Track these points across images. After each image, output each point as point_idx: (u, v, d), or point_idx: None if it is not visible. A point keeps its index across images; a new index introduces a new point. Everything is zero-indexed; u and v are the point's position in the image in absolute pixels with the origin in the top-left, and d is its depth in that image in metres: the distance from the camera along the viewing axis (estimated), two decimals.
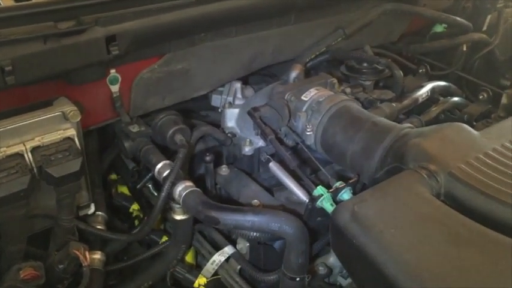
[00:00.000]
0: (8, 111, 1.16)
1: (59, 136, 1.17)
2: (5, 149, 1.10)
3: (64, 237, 1.24)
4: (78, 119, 1.19)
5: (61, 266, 1.19)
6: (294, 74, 1.60)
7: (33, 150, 1.13)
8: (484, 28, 2.03)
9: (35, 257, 1.23)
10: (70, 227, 1.25)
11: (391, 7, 1.78)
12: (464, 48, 2.02)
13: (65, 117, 1.18)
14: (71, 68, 1.17)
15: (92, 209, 1.39)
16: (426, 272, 0.84)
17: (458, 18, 1.94)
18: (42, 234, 1.30)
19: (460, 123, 1.22)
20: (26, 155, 1.12)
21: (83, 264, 1.16)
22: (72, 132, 1.19)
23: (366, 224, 0.94)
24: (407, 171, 1.09)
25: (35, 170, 1.13)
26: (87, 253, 1.18)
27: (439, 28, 2.10)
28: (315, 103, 1.43)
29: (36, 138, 1.14)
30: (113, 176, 1.74)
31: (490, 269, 0.84)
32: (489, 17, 2.01)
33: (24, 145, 1.13)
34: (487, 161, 1.06)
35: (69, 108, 1.18)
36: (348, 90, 1.60)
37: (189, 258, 1.48)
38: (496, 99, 1.82)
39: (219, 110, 1.70)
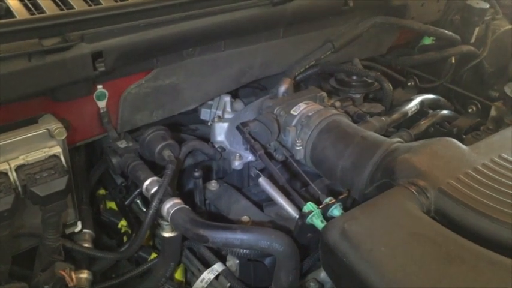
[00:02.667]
0: None
1: (44, 154, 1.14)
2: None
3: (50, 257, 1.21)
4: (64, 136, 1.17)
5: (46, 287, 1.16)
6: (283, 88, 1.59)
7: (18, 168, 1.11)
8: (472, 40, 2.04)
9: (20, 277, 1.20)
10: (56, 246, 1.22)
11: (380, 20, 1.79)
12: (453, 61, 2.03)
13: (50, 135, 1.16)
14: (56, 85, 1.16)
15: (79, 226, 1.36)
16: None
17: (447, 31, 1.95)
18: (27, 253, 1.28)
19: (449, 138, 1.22)
20: (10, 174, 1.10)
21: (69, 285, 1.14)
22: (57, 149, 1.17)
23: (355, 242, 0.93)
24: (397, 188, 1.08)
25: (20, 189, 1.11)
26: (73, 273, 1.16)
27: (427, 40, 2.11)
28: (304, 117, 1.42)
29: (21, 157, 1.12)
30: (101, 191, 1.71)
31: (480, 286, 0.83)
32: (477, 29, 2.02)
33: (9, 164, 1.10)
34: (477, 176, 1.06)
35: (55, 126, 1.16)
36: (338, 103, 1.60)
37: (178, 275, 1.46)
38: (485, 112, 1.83)
39: (209, 124, 1.69)
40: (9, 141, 1.11)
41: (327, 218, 1.15)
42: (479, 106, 1.87)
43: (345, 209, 1.17)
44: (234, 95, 1.76)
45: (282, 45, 1.62)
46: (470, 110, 1.88)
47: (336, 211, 1.16)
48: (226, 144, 1.60)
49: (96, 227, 1.47)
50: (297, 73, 1.68)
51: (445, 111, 1.79)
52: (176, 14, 1.27)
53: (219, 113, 1.67)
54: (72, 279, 1.14)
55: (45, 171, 1.12)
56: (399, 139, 1.32)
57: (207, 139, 1.64)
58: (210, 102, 1.69)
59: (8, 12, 1.13)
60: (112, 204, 1.66)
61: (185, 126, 1.80)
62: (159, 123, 1.50)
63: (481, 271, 0.86)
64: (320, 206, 1.15)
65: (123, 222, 1.60)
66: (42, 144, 1.15)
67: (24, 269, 1.26)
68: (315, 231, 1.15)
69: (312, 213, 1.13)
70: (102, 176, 1.66)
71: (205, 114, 1.71)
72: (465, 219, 0.99)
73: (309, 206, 1.14)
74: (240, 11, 1.38)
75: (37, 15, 1.13)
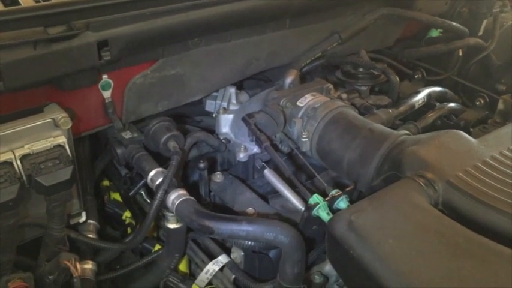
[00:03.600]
0: None
1: (49, 143, 1.14)
2: None
3: (54, 247, 1.22)
4: (69, 126, 1.16)
5: (51, 277, 1.17)
6: (289, 80, 1.58)
7: (23, 158, 1.10)
8: (480, 33, 2.02)
9: (25, 267, 1.20)
10: (61, 236, 1.22)
11: (387, 12, 1.77)
12: (460, 53, 2.01)
13: (55, 124, 1.15)
14: (61, 73, 1.14)
15: (83, 217, 1.36)
16: (424, 283, 0.82)
17: (454, 23, 1.93)
18: (32, 243, 1.27)
19: (457, 131, 1.20)
20: (15, 163, 1.09)
21: (74, 275, 1.14)
22: (62, 139, 1.16)
23: (363, 235, 0.92)
24: (404, 180, 1.07)
25: (25, 178, 1.10)
26: (77, 264, 1.16)
27: (434, 33, 2.09)
28: (310, 109, 1.41)
29: (26, 146, 1.11)
30: (106, 182, 1.71)
31: (489, 280, 0.83)
32: (485, 22, 2.01)
33: (13, 153, 1.09)
34: (485, 169, 1.05)
35: (60, 115, 1.15)
36: (344, 96, 1.58)
37: (182, 267, 1.46)
38: (492, 105, 1.81)
39: (213, 116, 1.68)
40: (14, 130, 1.10)
41: (333, 210, 1.14)
42: (487, 99, 1.85)
43: (351, 201, 1.16)
44: (239, 86, 1.74)
45: (288, 36, 1.61)
46: (477, 103, 1.86)
47: (342, 203, 1.15)
48: (231, 135, 1.59)
49: (100, 218, 1.47)
50: (303, 64, 1.66)
51: (452, 104, 1.77)
52: (183, 3, 1.25)
53: (224, 104, 1.66)
54: (76, 270, 1.14)
55: (50, 160, 1.12)
56: (406, 131, 1.31)
57: (211, 131, 1.63)
58: (215, 94, 1.68)
59: (14, 0, 1.12)
60: (116, 196, 1.66)
61: (190, 117, 1.79)
62: (164, 114, 1.49)
63: (489, 264, 0.85)
64: (326, 198, 1.14)
65: (127, 214, 1.60)
66: (47, 134, 1.15)
67: (29, 259, 1.26)
68: (320, 223, 1.14)
69: (318, 206, 1.12)
70: (106, 167, 1.66)
71: (210, 105, 1.70)
72: (473, 211, 0.98)
73: (315, 198, 1.14)
74: (247, 1, 1.36)
75: (42, 3, 1.12)
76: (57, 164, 1.12)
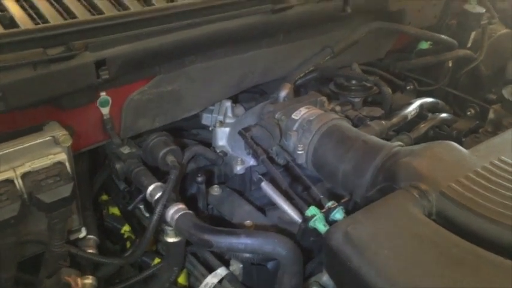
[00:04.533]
0: None
1: (50, 161, 1.15)
2: None
3: (55, 263, 1.23)
4: (69, 143, 1.18)
5: None
6: (283, 93, 1.61)
7: (24, 176, 1.11)
8: (469, 45, 2.06)
9: (26, 283, 1.21)
10: (61, 252, 1.23)
11: (377, 25, 1.81)
12: (450, 64, 2.05)
13: (55, 142, 1.17)
14: (61, 93, 1.17)
15: (83, 232, 1.37)
16: None
17: (443, 36, 1.97)
18: (33, 259, 1.28)
19: (449, 142, 1.23)
20: (16, 181, 1.11)
21: None
22: (63, 156, 1.18)
23: (359, 246, 0.94)
24: (399, 191, 1.10)
25: (26, 196, 1.11)
26: (78, 279, 1.17)
27: (424, 45, 2.12)
28: (305, 122, 1.44)
29: (27, 164, 1.13)
30: (104, 197, 1.72)
31: None
32: (473, 33, 2.05)
33: (15, 171, 1.11)
34: (478, 179, 1.07)
35: (60, 133, 1.17)
36: (338, 108, 1.61)
37: (181, 280, 1.47)
38: (483, 114, 1.85)
39: (210, 129, 1.70)
40: (15, 148, 1.12)
41: (329, 221, 1.16)
42: (478, 109, 1.89)
43: (347, 212, 1.19)
44: (235, 100, 1.77)
45: (282, 51, 1.64)
46: (468, 113, 1.89)
47: (338, 215, 1.18)
48: (228, 148, 1.61)
49: (99, 233, 1.48)
50: (297, 78, 1.69)
51: (444, 115, 1.81)
52: (178, 23, 1.28)
53: (220, 118, 1.69)
54: (77, 285, 1.15)
55: (50, 178, 1.13)
56: (400, 143, 1.34)
57: (208, 144, 1.65)
58: (211, 107, 1.71)
59: (12, 21, 1.14)
60: (115, 210, 1.67)
61: (186, 131, 1.81)
62: (161, 128, 1.52)
63: (483, 273, 0.87)
64: (323, 210, 1.16)
65: (126, 228, 1.61)
66: (47, 151, 1.16)
67: (30, 275, 1.27)
68: (317, 235, 1.16)
69: (315, 217, 1.14)
70: (105, 181, 1.67)
71: (206, 119, 1.72)
72: (466, 221, 1.00)
73: (312, 210, 1.16)
74: (241, 19, 1.40)
75: (41, 25, 1.14)
76: (57, 181, 1.13)
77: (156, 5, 1.29)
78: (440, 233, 0.96)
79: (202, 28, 1.33)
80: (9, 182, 1.10)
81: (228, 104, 1.69)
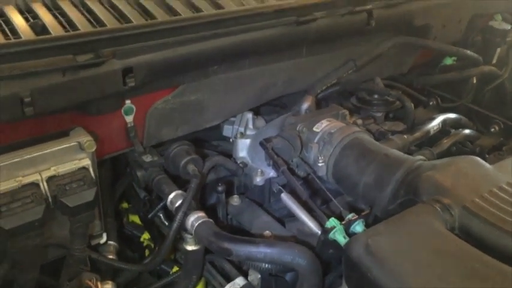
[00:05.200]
0: (25, 140, 1.17)
1: (74, 166, 1.18)
2: (20, 178, 1.11)
3: (76, 267, 1.24)
4: (94, 149, 1.20)
5: None
6: (305, 105, 1.61)
7: (49, 179, 1.14)
8: (494, 61, 2.04)
9: (47, 286, 1.23)
10: (83, 256, 1.25)
11: (402, 40, 1.80)
12: (474, 81, 2.03)
13: (80, 147, 1.19)
14: (88, 99, 1.20)
15: (104, 238, 1.39)
16: None
17: (469, 52, 1.96)
18: (54, 263, 1.30)
19: (473, 156, 1.22)
20: (41, 185, 1.13)
21: None
22: (87, 162, 1.20)
23: (380, 258, 0.93)
24: (421, 205, 1.08)
25: (50, 199, 1.14)
26: (99, 283, 1.18)
27: (448, 61, 2.11)
28: (326, 134, 1.43)
29: (52, 168, 1.15)
30: (124, 205, 1.74)
31: None
32: (498, 50, 2.03)
33: (40, 175, 1.14)
34: (502, 195, 1.05)
35: (85, 139, 1.20)
36: (360, 121, 1.61)
37: None
38: (507, 132, 1.82)
39: (231, 140, 1.71)
40: (41, 152, 1.15)
41: (349, 234, 1.15)
42: (502, 126, 1.86)
43: (367, 225, 1.18)
44: (256, 112, 1.78)
45: (305, 63, 1.65)
46: (492, 130, 1.87)
47: (358, 227, 1.17)
48: (248, 160, 1.61)
49: (118, 240, 1.49)
50: (319, 91, 1.70)
51: (467, 131, 1.79)
52: (204, 33, 1.30)
53: (241, 129, 1.69)
54: None
55: (74, 182, 1.16)
56: (422, 157, 1.33)
57: (228, 155, 1.66)
58: (232, 119, 1.72)
59: (44, 29, 1.18)
60: (135, 218, 1.69)
61: (207, 142, 1.82)
62: (183, 138, 1.53)
63: None
64: (343, 222, 1.16)
65: (145, 236, 1.63)
66: (72, 157, 1.19)
67: (52, 278, 1.29)
68: (337, 247, 1.15)
69: (335, 229, 1.13)
70: (125, 189, 1.68)
71: (227, 130, 1.74)
72: (490, 237, 0.98)
73: (332, 222, 1.15)
74: (265, 30, 1.41)
75: (71, 32, 1.17)
76: (81, 186, 1.16)
77: (183, 15, 1.32)
78: (463, 247, 0.95)
79: (227, 39, 1.35)
80: (35, 185, 1.13)
81: (249, 115, 1.70)
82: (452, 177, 1.13)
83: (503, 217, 1.00)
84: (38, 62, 1.09)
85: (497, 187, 1.07)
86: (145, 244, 1.64)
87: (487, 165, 1.18)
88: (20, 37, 1.13)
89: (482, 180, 1.12)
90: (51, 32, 1.16)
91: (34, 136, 1.19)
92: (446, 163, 1.20)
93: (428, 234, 0.98)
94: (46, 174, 1.14)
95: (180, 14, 1.32)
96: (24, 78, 1.07)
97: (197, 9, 1.37)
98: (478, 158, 1.21)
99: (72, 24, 1.22)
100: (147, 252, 1.63)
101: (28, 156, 1.13)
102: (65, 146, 1.18)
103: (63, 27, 1.20)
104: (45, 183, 1.14)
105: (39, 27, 1.18)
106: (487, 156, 1.69)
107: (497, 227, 0.98)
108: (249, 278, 1.35)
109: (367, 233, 1.01)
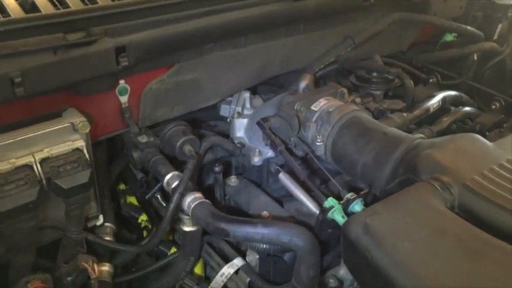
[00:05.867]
0: (17, 122, 1.15)
1: (68, 147, 1.16)
2: (14, 160, 1.10)
3: (73, 249, 1.24)
4: (88, 130, 1.18)
5: (69, 279, 1.18)
6: (303, 84, 1.59)
7: (42, 161, 1.12)
8: (495, 37, 2.01)
9: (43, 269, 1.22)
10: (79, 238, 1.24)
11: (401, 16, 1.77)
12: (475, 58, 2.00)
13: (74, 129, 1.17)
14: (80, 79, 1.17)
15: (101, 220, 1.38)
16: (440, 287, 0.82)
17: (469, 28, 1.93)
18: (50, 245, 1.30)
19: (473, 134, 1.20)
20: (35, 167, 1.12)
21: (91, 277, 1.15)
22: (81, 143, 1.18)
23: (378, 237, 0.92)
24: (420, 183, 1.07)
25: (44, 181, 1.12)
26: (95, 265, 1.17)
27: (449, 37, 2.08)
28: (324, 113, 1.41)
29: (45, 150, 1.14)
30: (122, 186, 1.73)
31: (506, 283, 0.82)
32: (500, 26, 2.00)
33: (33, 156, 1.12)
34: (502, 172, 1.04)
35: (79, 120, 1.18)
36: (358, 100, 1.59)
37: (197, 270, 1.46)
38: (508, 109, 1.80)
39: (228, 120, 1.69)
40: (34, 134, 1.13)
41: (347, 213, 1.14)
42: (503, 103, 1.84)
43: (366, 205, 1.16)
44: (253, 91, 1.75)
45: (302, 40, 1.62)
46: (493, 107, 1.85)
47: (357, 207, 1.15)
48: (245, 140, 1.60)
49: (116, 222, 1.48)
50: (317, 69, 1.67)
51: (467, 108, 1.77)
52: (198, 10, 1.27)
53: (239, 109, 1.67)
54: (94, 271, 1.16)
55: (68, 164, 1.14)
56: (421, 135, 1.32)
57: (226, 135, 1.64)
58: (229, 99, 1.70)
59: (34, 7, 1.14)
60: (132, 199, 1.68)
61: (204, 122, 1.80)
62: (179, 118, 1.51)
63: (506, 267, 0.84)
64: (341, 202, 1.14)
65: (143, 217, 1.62)
66: (66, 138, 1.17)
67: (48, 261, 1.28)
68: (335, 226, 1.14)
69: (333, 209, 1.12)
70: (122, 170, 1.67)
71: (224, 110, 1.71)
72: (490, 215, 0.97)
73: (330, 202, 1.14)
74: (262, 7, 1.38)
75: (62, 10, 1.14)
76: (75, 167, 1.14)
77: None
78: (463, 225, 0.94)
79: (223, 15, 1.32)
80: (28, 167, 1.11)
81: (246, 95, 1.68)
82: (452, 155, 1.11)
83: (503, 194, 0.98)
84: (28, 40, 1.07)
85: (497, 164, 1.06)
86: (143, 225, 1.63)
87: (487, 142, 1.16)
88: (9, 15, 1.10)
89: (482, 158, 1.10)
90: (41, 10, 1.13)
91: (26, 118, 1.17)
92: (445, 141, 1.18)
93: (427, 213, 0.97)
94: (39, 156, 1.13)
95: None
96: (14, 58, 1.04)
97: None
98: (478, 136, 1.19)
99: (62, 2, 1.18)
100: (145, 233, 1.62)
101: (20, 138, 1.11)
102: (58, 127, 1.16)
103: (54, 4, 1.16)
104: (38, 165, 1.12)
105: (28, 5, 1.14)
106: (488, 133, 1.67)
107: (497, 205, 0.97)
108: (247, 259, 1.35)
109: (366, 213, 1.00)
